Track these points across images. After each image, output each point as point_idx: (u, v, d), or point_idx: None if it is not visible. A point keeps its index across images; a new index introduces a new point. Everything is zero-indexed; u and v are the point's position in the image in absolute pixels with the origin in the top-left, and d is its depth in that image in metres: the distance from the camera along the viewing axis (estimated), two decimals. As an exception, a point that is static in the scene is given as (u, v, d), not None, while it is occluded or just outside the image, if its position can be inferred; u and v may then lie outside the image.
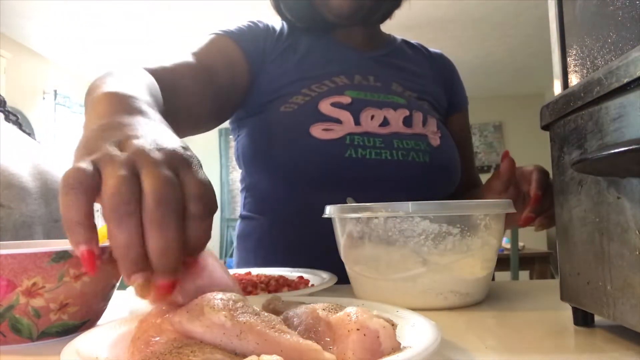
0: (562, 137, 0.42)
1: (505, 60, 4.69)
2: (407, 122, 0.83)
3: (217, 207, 0.34)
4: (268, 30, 0.90)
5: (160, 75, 0.66)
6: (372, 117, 0.81)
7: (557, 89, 0.45)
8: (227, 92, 0.82)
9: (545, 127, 0.46)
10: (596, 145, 0.36)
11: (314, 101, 0.81)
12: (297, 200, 0.81)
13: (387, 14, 0.92)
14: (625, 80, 0.31)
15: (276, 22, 0.93)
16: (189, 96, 0.73)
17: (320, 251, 0.71)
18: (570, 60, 0.44)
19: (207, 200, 0.33)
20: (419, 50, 0.99)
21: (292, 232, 0.82)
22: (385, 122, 0.81)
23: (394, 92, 0.87)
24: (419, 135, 0.82)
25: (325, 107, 0.80)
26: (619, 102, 0.33)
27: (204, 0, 3.43)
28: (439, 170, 0.82)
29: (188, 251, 0.32)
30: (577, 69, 0.42)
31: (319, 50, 0.89)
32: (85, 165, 0.32)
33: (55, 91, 4.47)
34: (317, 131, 0.77)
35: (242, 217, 0.93)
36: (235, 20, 0.89)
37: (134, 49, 4.32)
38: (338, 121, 0.79)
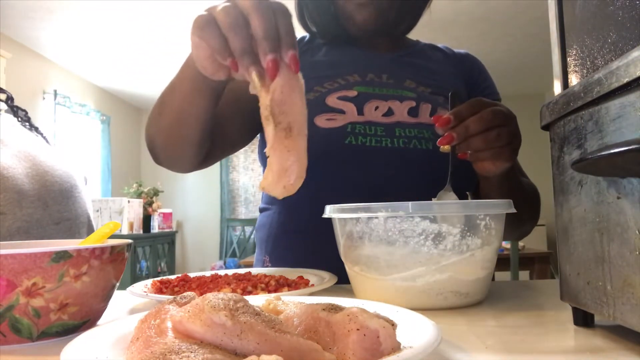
0: (562, 137, 0.42)
1: (505, 60, 4.69)
2: (413, 112, 0.84)
3: (290, 14, 0.49)
4: None
5: None
6: (376, 107, 0.82)
7: (557, 89, 0.45)
8: (252, 109, 0.85)
9: (545, 127, 0.46)
10: (596, 145, 0.36)
11: (323, 96, 0.83)
12: (302, 187, 0.83)
13: (412, 26, 0.94)
14: (625, 80, 0.31)
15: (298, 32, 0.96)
16: (219, 118, 0.78)
17: (324, 239, 0.71)
18: (570, 60, 0.43)
19: (283, 6, 0.48)
20: (441, 51, 1.00)
21: (299, 218, 0.83)
22: (389, 112, 0.82)
23: (406, 87, 0.88)
24: (424, 124, 0.83)
25: (331, 100, 0.82)
26: (619, 102, 0.33)
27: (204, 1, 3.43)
28: (443, 157, 0.82)
29: (284, 41, 0.46)
30: (577, 69, 0.42)
31: (335, 53, 0.91)
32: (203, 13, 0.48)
33: (55, 91, 4.47)
34: (321, 121, 0.80)
35: (259, 210, 0.95)
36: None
37: (134, 49, 4.32)
38: (342, 112, 0.81)
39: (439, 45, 1.01)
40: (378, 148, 0.79)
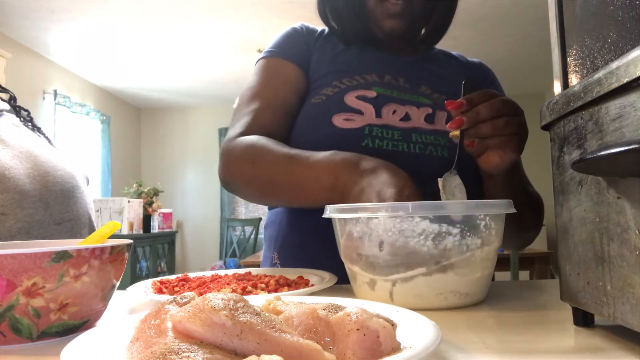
0: (562, 137, 0.42)
1: (505, 60, 4.69)
2: (429, 119, 0.84)
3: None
4: (307, 30, 0.95)
5: (261, 132, 0.80)
6: (394, 111, 0.83)
7: (557, 89, 0.45)
8: (298, 108, 0.90)
9: (545, 127, 0.46)
10: (596, 145, 0.36)
11: (342, 93, 0.84)
12: None
13: (437, 38, 0.96)
14: (625, 80, 0.31)
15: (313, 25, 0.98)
16: (281, 137, 0.82)
17: (335, 238, 0.72)
18: (570, 60, 0.43)
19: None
20: (455, 59, 1.00)
21: (310, 217, 0.83)
22: (406, 117, 0.83)
23: (422, 93, 0.88)
24: (440, 131, 0.83)
25: (350, 99, 0.83)
26: (619, 102, 0.33)
27: (204, 1, 3.43)
28: (458, 165, 0.82)
29: None
30: (577, 69, 0.42)
31: (354, 50, 0.92)
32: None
33: (55, 91, 4.47)
34: (339, 120, 0.80)
35: (268, 207, 0.95)
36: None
37: (134, 49, 4.32)
38: (360, 112, 0.81)
39: (453, 52, 1.02)
40: (394, 152, 0.79)
